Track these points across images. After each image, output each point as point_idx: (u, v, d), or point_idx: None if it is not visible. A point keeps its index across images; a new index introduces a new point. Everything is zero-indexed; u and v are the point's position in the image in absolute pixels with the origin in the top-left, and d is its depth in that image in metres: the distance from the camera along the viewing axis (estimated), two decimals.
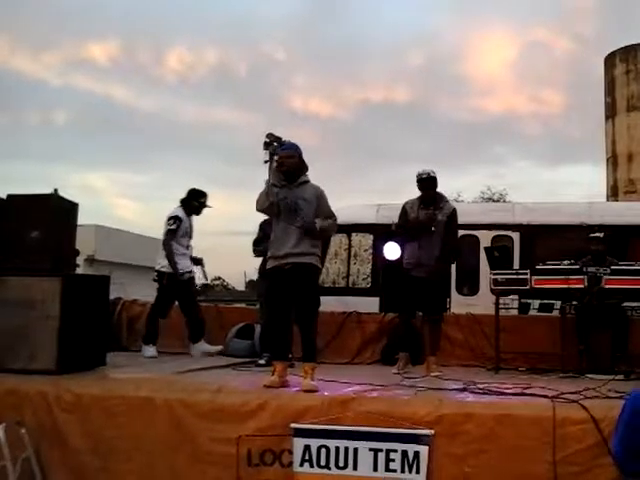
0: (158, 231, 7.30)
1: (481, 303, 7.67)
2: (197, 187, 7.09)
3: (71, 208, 5.58)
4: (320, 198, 5.04)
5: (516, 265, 7.58)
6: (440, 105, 61.64)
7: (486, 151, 55.89)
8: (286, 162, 4.96)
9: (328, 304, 7.11)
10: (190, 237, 7.10)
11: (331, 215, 5.07)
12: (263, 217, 6.27)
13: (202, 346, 6.95)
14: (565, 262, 6.12)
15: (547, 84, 58.26)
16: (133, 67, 47.21)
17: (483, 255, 7.33)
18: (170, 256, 6.81)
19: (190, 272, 7.05)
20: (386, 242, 7.42)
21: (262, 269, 6.66)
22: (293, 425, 4.19)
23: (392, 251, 8.08)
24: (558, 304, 6.81)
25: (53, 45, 56.26)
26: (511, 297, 7.21)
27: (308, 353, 4.94)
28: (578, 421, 3.98)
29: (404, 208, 6.21)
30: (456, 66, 57.57)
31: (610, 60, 35.20)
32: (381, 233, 8.49)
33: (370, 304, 8.01)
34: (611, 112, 34.76)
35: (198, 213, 7.12)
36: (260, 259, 6.63)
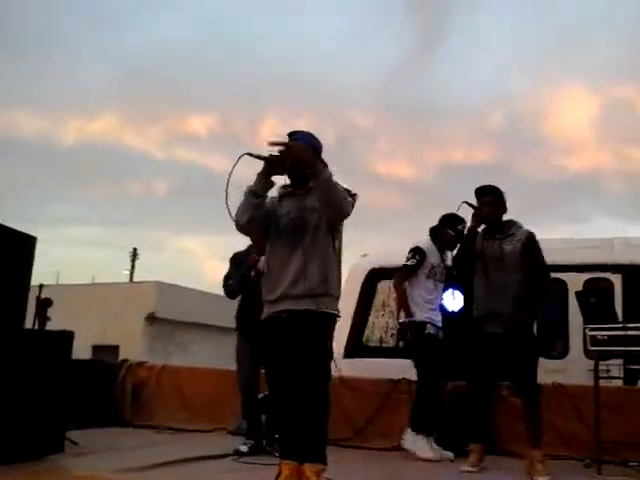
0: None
1: (571, 369, 5.88)
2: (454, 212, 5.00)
3: (23, 243, 4.34)
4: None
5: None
6: (521, 165, 59.97)
7: (568, 209, 53.93)
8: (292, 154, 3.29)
9: (370, 369, 5.65)
10: (440, 280, 5.31)
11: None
12: None
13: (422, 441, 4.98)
14: None
15: (630, 140, 55.65)
16: (229, 138, 48.58)
17: (573, 305, 5.60)
18: (400, 299, 5.24)
19: (436, 327, 5.19)
20: (446, 288, 5.89)
21: (238, 319, 5.18)
22: None
23: (454, 300, 6.56)
24: None
25: (157, 119, 59.15)
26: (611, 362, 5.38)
27: (311, 449, 3.29)
28: None
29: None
30: (537, 125, 55.73)
31: None
32: None
33: None
34: None
35: (453, 247, 5.22)
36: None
